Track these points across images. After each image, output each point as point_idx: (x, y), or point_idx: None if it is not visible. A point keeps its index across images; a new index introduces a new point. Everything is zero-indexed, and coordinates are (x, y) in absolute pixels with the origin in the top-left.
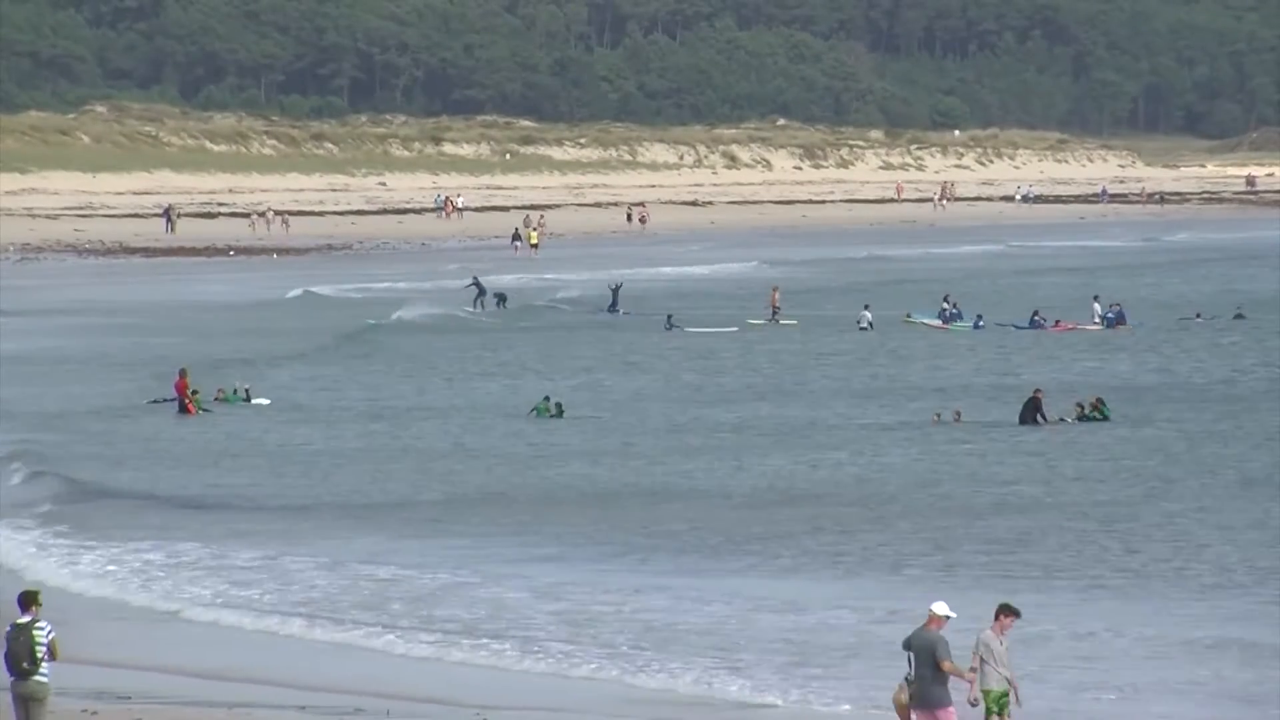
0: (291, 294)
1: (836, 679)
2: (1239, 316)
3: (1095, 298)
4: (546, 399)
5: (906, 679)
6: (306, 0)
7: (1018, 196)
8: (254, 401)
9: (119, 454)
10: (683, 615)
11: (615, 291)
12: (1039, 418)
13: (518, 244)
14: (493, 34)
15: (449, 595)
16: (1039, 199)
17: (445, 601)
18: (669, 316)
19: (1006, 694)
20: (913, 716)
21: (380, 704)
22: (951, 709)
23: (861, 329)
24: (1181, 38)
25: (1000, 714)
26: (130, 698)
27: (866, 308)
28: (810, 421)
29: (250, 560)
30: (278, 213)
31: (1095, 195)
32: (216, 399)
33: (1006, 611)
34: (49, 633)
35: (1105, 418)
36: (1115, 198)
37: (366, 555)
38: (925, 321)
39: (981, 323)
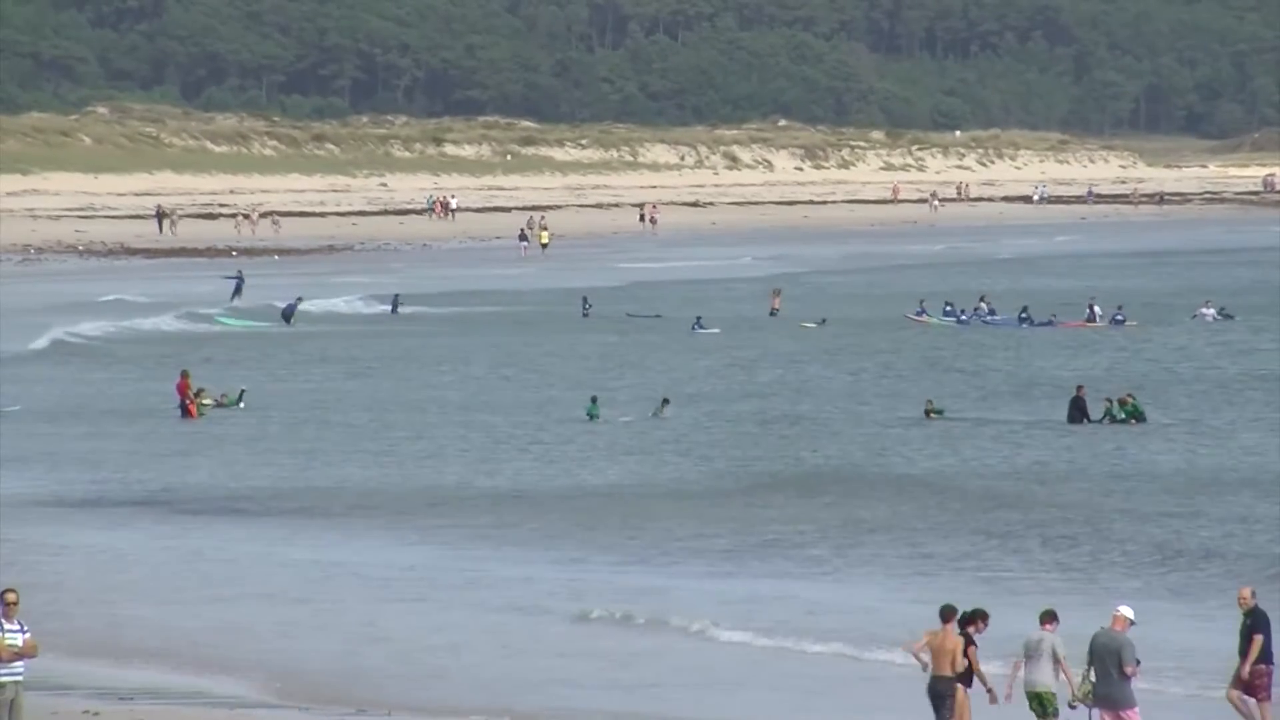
0: (105, 298)
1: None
2: (1225, 315)
3: (1092, 299)
4: (665, 400)
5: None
6: (308, 1)
7: (1035, 197)
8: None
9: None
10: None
11: (585, 301)
12: (1086, 417)
13: (525, 244)
14: (494, 35)
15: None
16: (1053, 199)
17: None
18: (698, 318)
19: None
20: (1095, 713)
21: (381, 703)
22: (1136, 710)
23: (962, 322)
24: (1183, 38)
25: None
26: (133, 698)
27: (983, 298)
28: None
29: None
30: (264, 214)
31: (1083, 196)
32: (219, 403)
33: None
34: None
35: (1140, 416)
36: (1109, 198)
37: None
38: (911, 316)
39: (965, 318)
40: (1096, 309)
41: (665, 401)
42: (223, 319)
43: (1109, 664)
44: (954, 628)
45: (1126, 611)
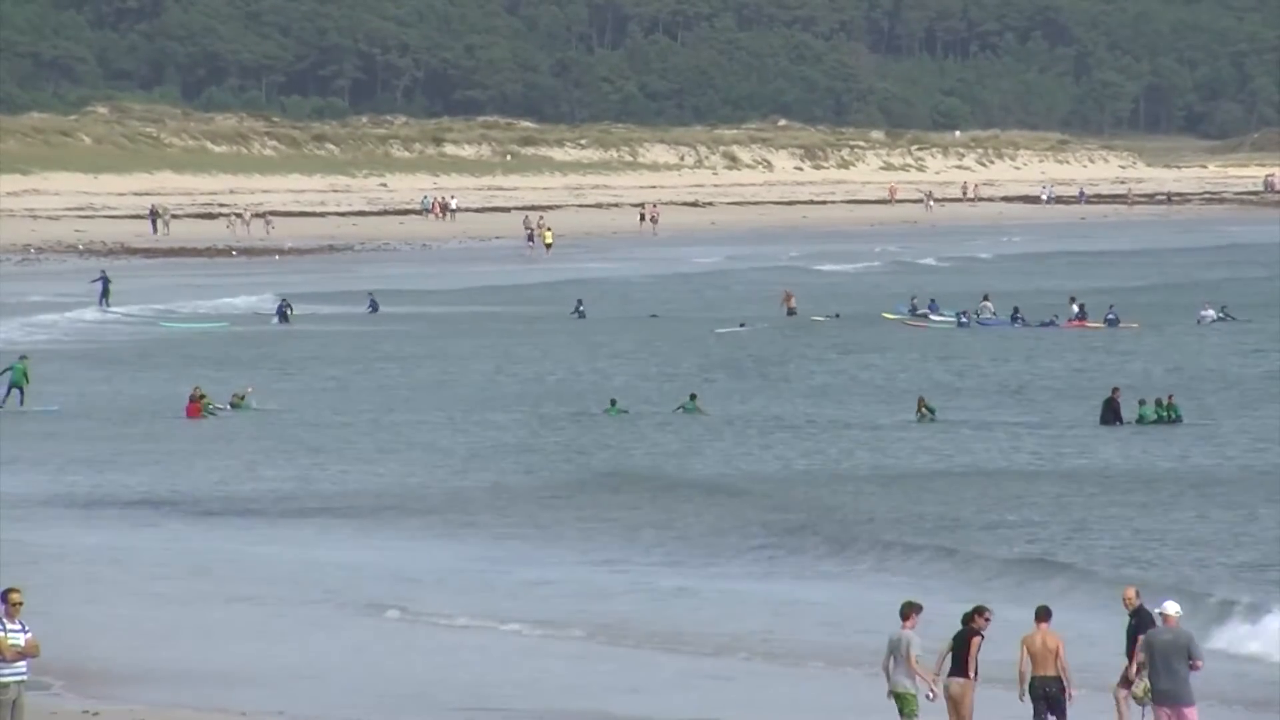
0: (32, 298)
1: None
2: (1225, 316)
3: (1072, 298)
4: (692, 396)
5: (1134, 676)
6: (308, 1)
7: (1043, 197)
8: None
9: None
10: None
11: (579, 304)
12: (1118, 419)
13: (532, 244)
14: (493, 35)
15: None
16: (1060, 200)
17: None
18: (741, 324)
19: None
20: (1160, 713)
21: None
22: (1195, 707)
23: (962, 324)
24: (1183, 38)
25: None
26: (133, 698)
27: (986, 298)
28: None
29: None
30: (256, 214)
31: (1074, 197)
32: (231, 404)
33: (915, 609)
34: None
35: (1171, 418)
36: (1107, 198)
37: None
38: (889, 316)
39: (964, 319)
40: (1075, 307)
41: (693, 397)
42: (168, 323)
43: (1175, 661)
44: (1049, 626)
45: (1176, 608)
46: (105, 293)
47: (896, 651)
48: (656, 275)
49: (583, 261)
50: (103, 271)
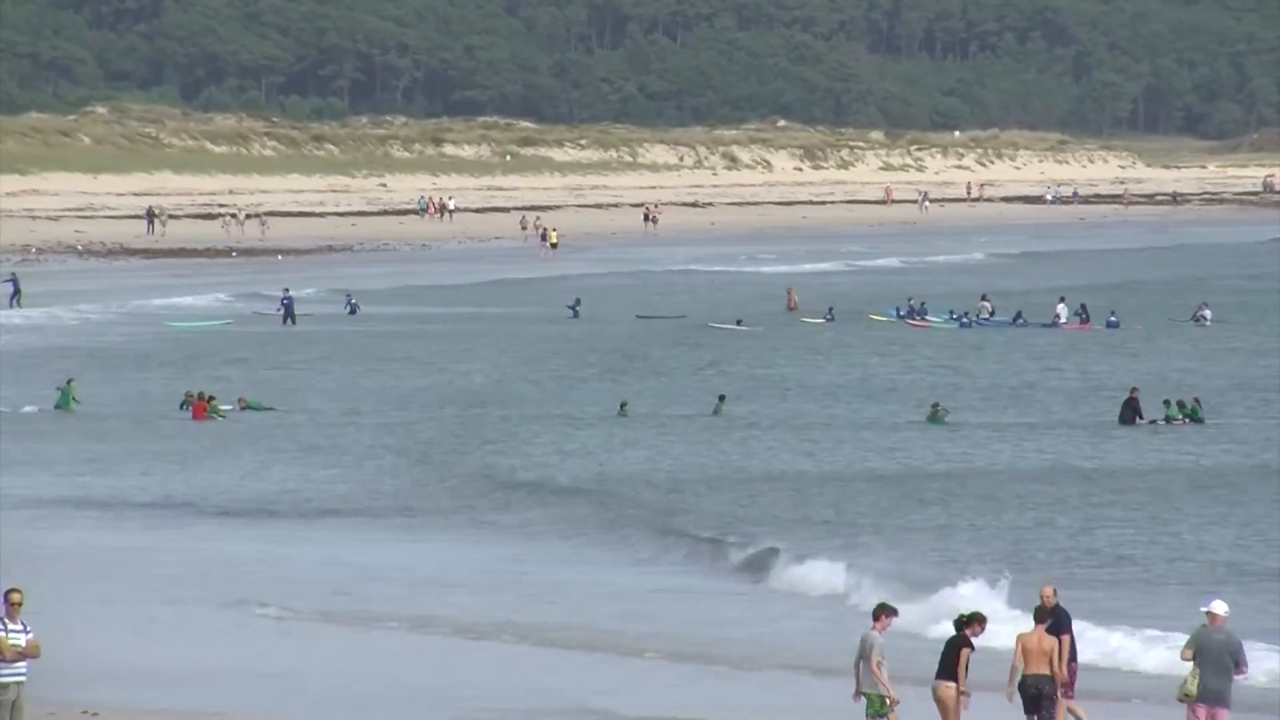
0: None
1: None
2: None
3: (1061, 299)
4: (721, 398)
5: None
6: (307, 2)
7: (1048, 198)
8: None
9: None
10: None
11: (576, 303)
12: (1137, 417)
13: (544, 244)
14: (493, 35)
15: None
16: (1063, 200)
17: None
18: (738, 321)
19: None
20: (1199, 711)
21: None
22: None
23: (964, 324)
24: (1182, 38)
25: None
26: (132, 699)
27: (984, 298)
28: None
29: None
30: (250, 215)
31: (1068, 197)
32: (239, 406)
33: (886, 611)
34: None
35: (1199, 419)
36: (1106, 198)
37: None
38: (877, 317)
39: (966, 319)
40: (1062, 308)
41: (722, 399)
42: (172, 322)
43: (1227, 661)
44: (1043, 629)
45: (1224, 607)
46: (16, 294)
47: (863, 652)
48: (642, 275)
49: (577, 262)
50: (13, 274)
